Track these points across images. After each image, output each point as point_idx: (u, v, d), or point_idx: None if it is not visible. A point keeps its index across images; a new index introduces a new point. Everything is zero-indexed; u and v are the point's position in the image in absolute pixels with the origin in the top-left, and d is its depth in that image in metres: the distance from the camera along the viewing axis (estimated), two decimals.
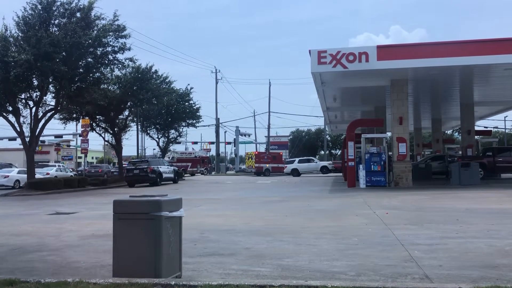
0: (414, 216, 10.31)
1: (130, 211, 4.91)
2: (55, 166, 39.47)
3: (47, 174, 32.89)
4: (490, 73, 20.30)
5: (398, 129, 20.39)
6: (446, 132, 54.02)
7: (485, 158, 25.22)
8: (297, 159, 45.14)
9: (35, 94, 24.98)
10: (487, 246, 6.71)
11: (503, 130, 64.28)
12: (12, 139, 46.50)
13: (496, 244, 6.78)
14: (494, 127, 58.36)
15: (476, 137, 33.34)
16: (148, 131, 45.12)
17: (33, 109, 24.90)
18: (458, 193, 15.98)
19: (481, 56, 17.44)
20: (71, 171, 40.21)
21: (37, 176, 27.79)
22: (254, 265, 5.93)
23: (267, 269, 5.68)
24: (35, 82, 24.19)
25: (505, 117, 56.99)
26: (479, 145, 32.87)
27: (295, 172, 41.61)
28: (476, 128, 35.45)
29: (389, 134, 27.43)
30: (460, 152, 31.80)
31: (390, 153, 22.09)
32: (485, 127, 48.71)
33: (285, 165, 47.94)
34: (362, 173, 20.75)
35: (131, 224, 4.86)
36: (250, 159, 48.38)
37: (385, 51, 18.26)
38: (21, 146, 26.55)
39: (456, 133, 59.31)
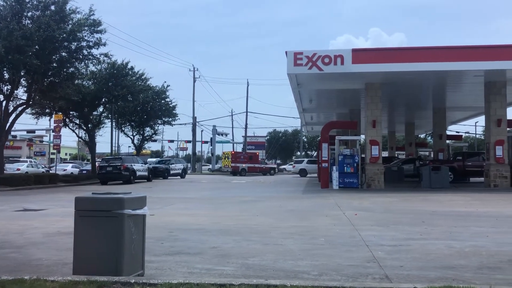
0: (382, 218, 10.49)
1: (92, 208, 4.85)
2: (26, 161, 38.49)
3: (18, 170, 32.00)
4: (461, 79, 20.80)
5: (372, 132, 20.69)
6: (419, 135, 55.03)
7: (455, 162, 25.82)
8: (306, 159, 44.68)
9: (5, 87, 24.36)
10: (447, 247, 6.89)
11: (474, 135, 65.97)
12: None
13: (456, 246, 6.97)
14: (465, 132, 59.84)
15: (447, 141, 34.13)
16: (123, 128, 44.48)
17: (4, 103, 24.27)
18: (428, 196, 16.32)
19: (453, 62, 17.86)
20: (42, 167, 39.29)
21: (8, 172, 27.15)
22: (219, 264, 5.94)
23: (231, 268, 5.70)
24: (6, 76, 23.61)
25: (475, 123, 58.49)
26: (450, 149, 33.61)
27: (303, 172, 40.93)
28: (448, 132, 36.32)
29: (363, 136, 27.82)
30: (432, 156, 32.46)
31: (363, 155, 22.38)
32: (456, 131, 49.88)
33: (263, 166, 48.13)
34: (335, 175, 20.96)
35: (92, 221, 4.81)
36: (226, 158, 48.32)
37: (360, 55, 18.51)
38: None
39: (429, 137, 60.54)
